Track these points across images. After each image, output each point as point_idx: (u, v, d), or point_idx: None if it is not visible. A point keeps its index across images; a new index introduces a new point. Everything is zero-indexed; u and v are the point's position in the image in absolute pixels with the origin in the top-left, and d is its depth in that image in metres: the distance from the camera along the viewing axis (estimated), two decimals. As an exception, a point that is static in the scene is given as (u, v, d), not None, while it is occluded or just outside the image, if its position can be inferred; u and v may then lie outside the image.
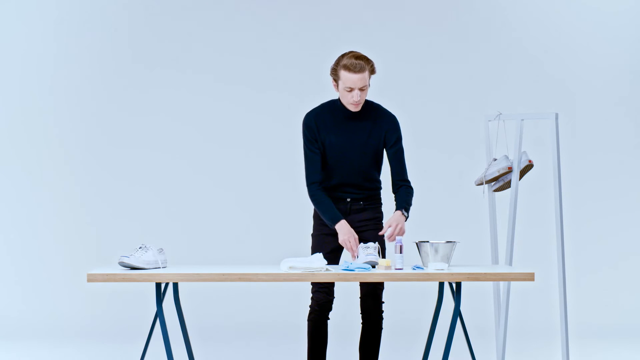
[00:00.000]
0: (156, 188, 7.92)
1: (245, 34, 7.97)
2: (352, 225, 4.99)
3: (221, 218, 7.90)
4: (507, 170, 5.61)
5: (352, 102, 4.90)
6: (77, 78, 7.93)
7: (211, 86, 7.96)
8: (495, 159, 5.72)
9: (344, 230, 4.89)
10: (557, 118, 5.50)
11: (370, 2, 8.00)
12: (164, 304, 4.72)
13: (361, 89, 4.87)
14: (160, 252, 4.72)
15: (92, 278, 4.53)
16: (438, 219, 7.79)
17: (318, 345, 5.07)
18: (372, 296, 5.04)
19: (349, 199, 5.03)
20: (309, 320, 5.08)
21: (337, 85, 4.92)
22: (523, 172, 5.64)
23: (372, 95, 7.75)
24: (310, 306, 5.09)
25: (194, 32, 7.95)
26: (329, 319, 5.09)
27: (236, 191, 7.93)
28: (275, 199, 7.94)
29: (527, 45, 7.99)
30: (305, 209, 7.90)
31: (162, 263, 4.70)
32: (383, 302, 5.09)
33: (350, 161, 4.98)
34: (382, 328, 5.09)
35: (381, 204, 5.13)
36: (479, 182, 5.79)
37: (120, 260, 4.65)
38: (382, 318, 5.08)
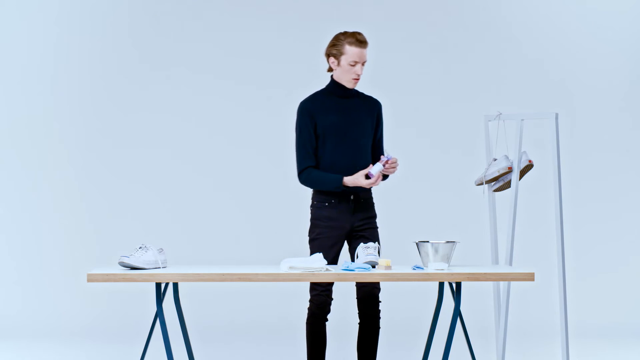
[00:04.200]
0: (156, 188, 7.92)
1: (246, 33, 7.97)
2: (356, 222, 5.03)
3: (221, 218, 7.90)
4: (507, 170, 5.62)
5: (355, 77, 5.00)
6: (77, 77, 7.93)
7: (211, 85, 7.96)
8: (495, 159, 5.72)
9: (352, 181, 4.93)
10: (557, 118, 5.50)
11: (370, 1, 8.00)
12: (164, 304, 4.72)
13: (363, 64, 4.99)
14: (160, 252, 4.72)
15: (92, 278, 4.53)
16: (438, 219, 7.79)
17: (318, 348, 5.07)
18: (370, 298, 5.04)
19: (352, 196, 5.03)
20: (308, 323, 5.08)
21: (339, 62, 4.99)
22: (523, 172, 5.64)
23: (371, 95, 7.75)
24: (308, 309, 5.08)
25: (195, 31, 7.95)
26: (327, 320, 5.09)
27: (236, 191, 7.93)
28: (276, 199, 7.94)
29: (527, 46, 7.99)
30: (304, 209, 7.91)
31: (162, 263, 4.70)
32: (380, 302, 5.09)
33: (351, 142, 5.01)
34: (379, 328, 5.10)
35: (374, 203, 5.16)
36: (479, 182, 5.80)
37: (120, 260, 4.65)
38: (379, 318, 5.09)
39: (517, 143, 5.58)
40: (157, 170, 7.92)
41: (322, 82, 7.88)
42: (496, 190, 5.77)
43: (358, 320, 5.12)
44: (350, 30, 5.06)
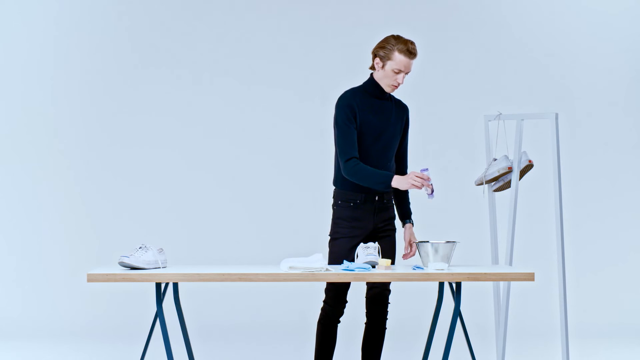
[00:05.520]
0: (156, 188, 7.92)
1: (245, 32, 7.97)
2: (377, 224, 5.02)
3: (221, 218, 7.90)
4: (507, 170, 5.62)
5: (395, 84, 4.95)
6: (77, 77, 7.93)
7: (211, 85, 7.96)
8: (495, 159, 5.73)
9: (402, 180, 4.85)
10: (557, 118, 5.50)
11: (371, 1, 8.00)
12: (164, 304, 4.72)
13: (406, 73, 4.94)
14: (160, 252, 4.72)
15: (92, 278, 4.53)
16: (438, 219, 7.79)
17: (327, 349, 5.05)
18: (380, 298, 5.03)
19: (377, 197, 5.02)
20: (320, 323, 5.05)
21: (383, 65, 4.94)
22: (523, 172, 5.65)
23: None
24: (322, 309, 5.05)
25: (196, 31, 7.95)
26: (339, 322, 5.08)
27: (236, 191, 7.93)
28: (276, 199, 7.94)
29: (527, 45, 7.98)
30: (305, 209, 7.93)
31: (162, 263, 4.70)
32: (389, 303, 5.08)
33: (383, 144, 4.98)
34: (386, 329, 5.09)
35: (393, 204, 5.15)
36: (479, 182, 5.80)
37: (120, 260, 4.65)
38: (387, 319, 5.08)
39: (517, 143, 5.58)
40: (157, 170, 7.92)
41: (325, 82, 7.90)
42: (496, 190, 5.77)
43: (364, 320, 5.11)
44: (398, 32, 5.01)
